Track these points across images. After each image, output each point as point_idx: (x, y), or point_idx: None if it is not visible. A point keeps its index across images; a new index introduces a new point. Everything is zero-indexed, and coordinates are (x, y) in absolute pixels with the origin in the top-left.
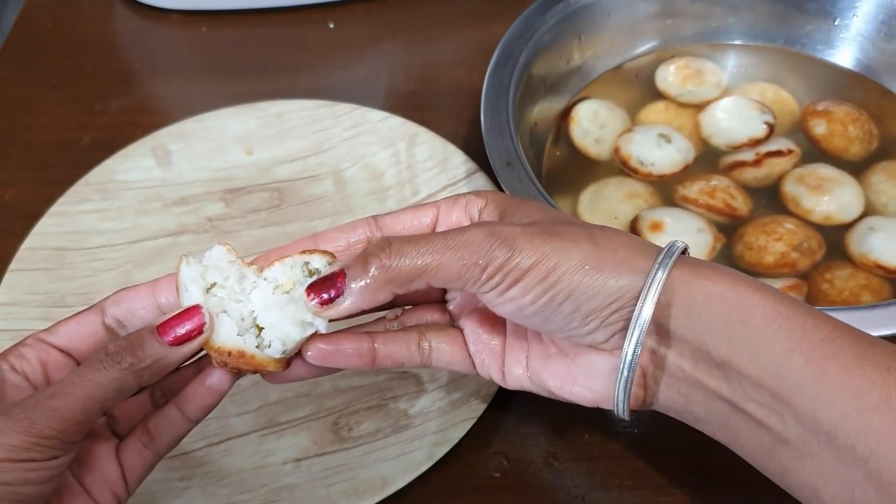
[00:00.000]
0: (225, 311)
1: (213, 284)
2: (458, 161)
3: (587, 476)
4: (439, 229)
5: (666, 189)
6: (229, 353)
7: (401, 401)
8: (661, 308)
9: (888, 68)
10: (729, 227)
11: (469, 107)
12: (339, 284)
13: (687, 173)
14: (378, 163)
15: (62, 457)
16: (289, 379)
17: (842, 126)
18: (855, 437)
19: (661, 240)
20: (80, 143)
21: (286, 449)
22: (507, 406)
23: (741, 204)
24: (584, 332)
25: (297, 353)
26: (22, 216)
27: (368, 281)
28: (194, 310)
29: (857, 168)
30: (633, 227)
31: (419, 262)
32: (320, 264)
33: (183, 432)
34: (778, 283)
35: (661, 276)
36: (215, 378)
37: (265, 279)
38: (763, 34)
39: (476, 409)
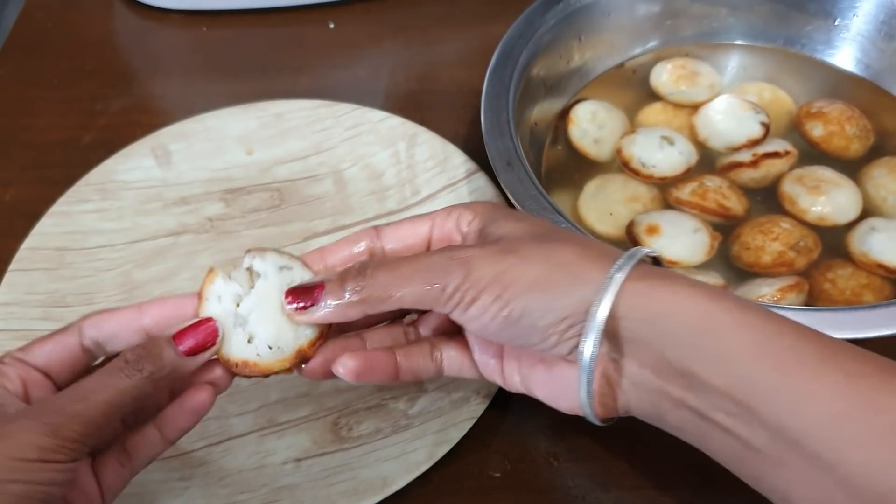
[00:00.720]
0: (242, 327)
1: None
2: (459, 161)
3: (587, 476)
4: (434, 239)
5: (666, 192)
6: (237, 364)
7: (401, 401)
8: (619, 320)
9: (888, 68)
10: (727, 227)
11: (469, 107)
12: (315, 295)
13: (688, 175)
14: (378, 163)
15: (79, 461)
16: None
17: (839, 126)
18: (823, 444)
19: (658, 243)
20: (80, 143)
21: (286, 449)
22: (507, 406)
23: (735, 203)
24: (548, 346)
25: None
26: (22, 216)
27: (342, 301)
28: (207, 321)
29: (859, 164)
30: (630, 232)
31: (390, 289)
32: (267, 267)
33: (159, 452)
34: (779, 283)
35: (617, 279)
36: (195, 401)
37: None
38: (763, 34)
39: (476, 409)
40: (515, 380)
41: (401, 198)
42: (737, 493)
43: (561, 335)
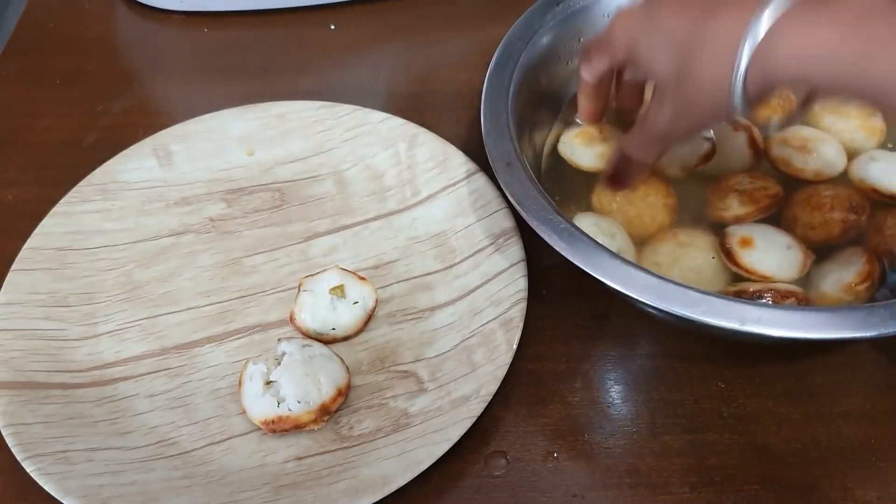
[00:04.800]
0: (273, 395)
1: (272, 382)
2: (459, 162)
3: (586, 475)
4: None
5: (695, 209)
6: (273, 421)
7: (401, 400)
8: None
9: None
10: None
11: (469, 108)
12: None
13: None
14: (379, 163)
15: None
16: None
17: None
18: None
19: (751, 257)
20: (82, 144)
21: (287, 447)
22: (507, 405)
23: (774, 186)
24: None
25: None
26: (24, 216)
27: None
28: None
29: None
30: (723, 244)
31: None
32: (293, 347)
33: None
34: (854, 267)
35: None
36: None
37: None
38: None
39: (476, 407)
40: None
41: (401, 198)
42: (735, 494)
43: None
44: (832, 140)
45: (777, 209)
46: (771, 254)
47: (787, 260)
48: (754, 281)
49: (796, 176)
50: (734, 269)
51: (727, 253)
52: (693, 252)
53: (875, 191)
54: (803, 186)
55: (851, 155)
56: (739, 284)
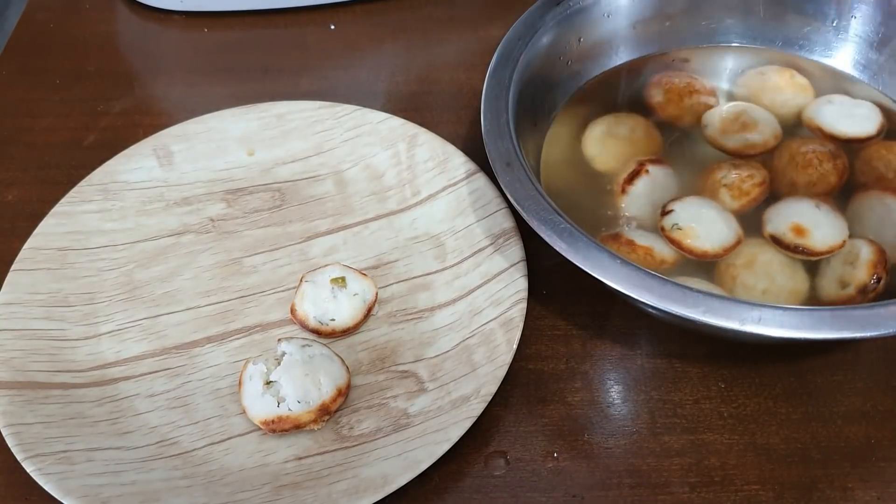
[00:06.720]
0: (273, 395)
1: (272, 382)
2: (459, 162)
3: (586, 475)
4: None
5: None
6: (273, 421)
7: (401, 400)
8: None
9: (885, 70)
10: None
11: (469, 108)
12: None
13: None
14: (379, 163)
15: None
16: None
17: (678, 97)
18: None
19: (817, 238)
20: (82, 144)
21: (287, 448)
22: (507, 405)
23: (761, 174)
24: None
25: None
26: (24, 216)
27: None
28: None
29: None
30: (780, 241)
31: None
32: (293, 347)
33: None
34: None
35: None
36: None
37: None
38: (761, 36)
39: (476, 407)
40: None
41: (401, 198)
42: (735, 494)
43: None
44: (761, 110)
45: (769, 193)
46: (824, 227)
47: (834, 222)
48: (822, 255)
49: (763, 152)
50: (814, 259)
51: (800, 251)
52: (775, 263)
53: (819, 129)
54: (777, 152)
55: (785, 121)
56: (849, 279)
